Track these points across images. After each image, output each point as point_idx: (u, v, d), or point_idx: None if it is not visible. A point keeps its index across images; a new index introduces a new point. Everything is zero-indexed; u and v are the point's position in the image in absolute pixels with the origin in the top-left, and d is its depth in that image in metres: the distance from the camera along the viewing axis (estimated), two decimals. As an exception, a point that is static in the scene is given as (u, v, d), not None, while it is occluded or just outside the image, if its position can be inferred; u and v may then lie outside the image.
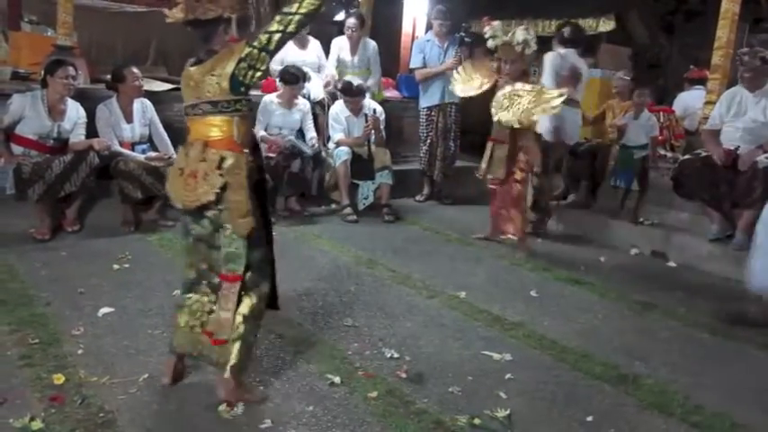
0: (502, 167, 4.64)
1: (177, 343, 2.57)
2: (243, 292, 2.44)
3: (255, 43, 2.32)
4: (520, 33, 4.40)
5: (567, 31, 5.23)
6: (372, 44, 6.25)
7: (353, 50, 6.10)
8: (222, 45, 2.42)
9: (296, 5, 2.30)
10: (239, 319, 2.43)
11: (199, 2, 2.35)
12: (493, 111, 4.51)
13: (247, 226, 2.37)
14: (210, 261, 2.50)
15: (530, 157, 4.62)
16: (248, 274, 2.44)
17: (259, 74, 2.37)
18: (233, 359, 2.42)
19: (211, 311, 2.49)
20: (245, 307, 2.44)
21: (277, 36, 2.31)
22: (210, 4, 2.36)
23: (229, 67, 2.31)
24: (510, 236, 4.88)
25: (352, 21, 6.04)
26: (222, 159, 2.35)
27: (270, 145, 5.31)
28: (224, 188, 2.34)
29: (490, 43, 4.51)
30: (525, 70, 4.63)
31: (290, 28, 2.31)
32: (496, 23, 4.58)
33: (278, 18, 2.32)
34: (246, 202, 2.37)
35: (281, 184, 5.32)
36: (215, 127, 2.38)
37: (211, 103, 2.37)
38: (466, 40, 6.04)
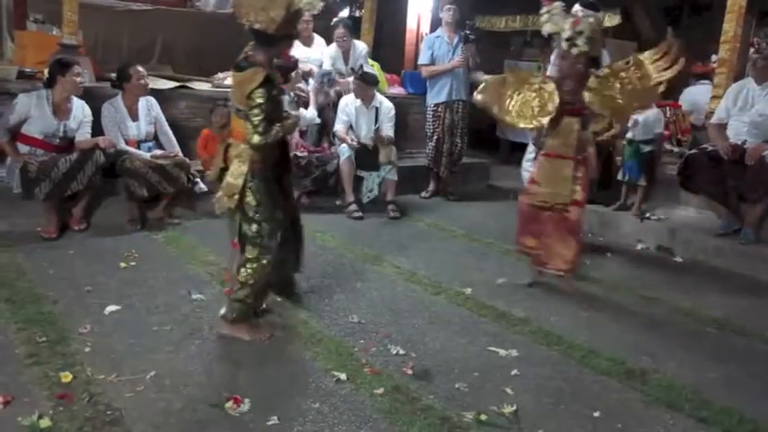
0: (569, 188, 3.76)
1: None
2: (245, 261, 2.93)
3: (253, 98, 2.72)
4: (568, 28, 3.59)
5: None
6: (362, 48, 6.26)
7: (346, 59, 6.11)
8: (269, 56, 2.83)
9: (264, 138, 2.77)
10: (237, 284, 2.94)
11: (283, 22, 2.72)
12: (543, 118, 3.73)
13: (226, 205, 2.86)
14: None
15: (590, 170, 3.92)
16: (247, 247, 2.91)
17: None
18: (228, 310, 3.00)
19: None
20: (241, 274, 2.93)
21: (255, 119, 2.75)
22: (286, 24, 2.75)
23: (246, 90, 2.74)
24: (554, 271, 3.93)
25: (340, 31, 6.04)
26: (228, 146, 2.92)
27: (297, 144, 5.38)
28: (226, 170, 2.88)
29: (544, 29, 3.73)
30: (581, 70, 3.70)
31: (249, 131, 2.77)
32: (557, 4, 3.72)
33: (258, 121, 2.74)
34: (236, 186, 2.81)
35: (307, 180, 5.36)
36: (239, 123, 2.87)
37: (237, 108, 2.88)
38: (471, 37, 6.02)
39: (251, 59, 2.80)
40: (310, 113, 5.59)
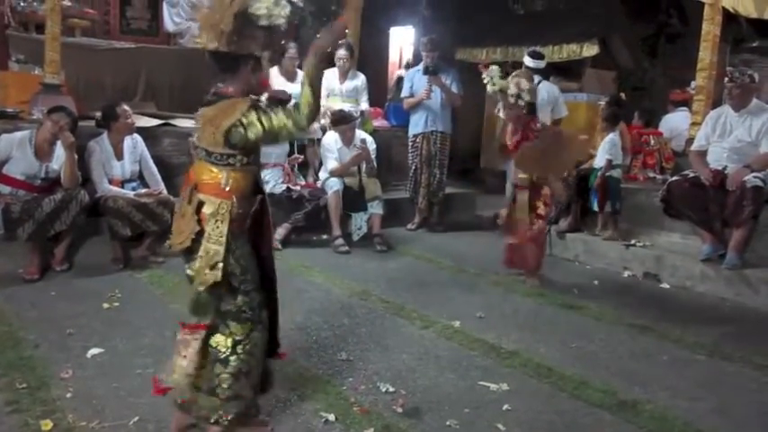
0: (525, 212, 4.55)
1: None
2: (227, 346, 2.33)
3: (254, 115, 2.23)
4: (512, 87, 4.37)
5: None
6: (362, 76, 6.31)
7: (342, 79, 6.17)
8: (240, 85, 2.33)
9: (304, 110, 2.28)
10: (228, 377, 2.32)
11: (234, 36, 2.22)
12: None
13: (211, 278, 2.25)
14: None
15: (555, 191, 4.61)
16: (231, 325, 2.35)
17: (251, 140, 2.25)
18: (216, 415, 2.33)
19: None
20: (232, 364, 2.32)
21: (274, 130, 2.26)
22: (242, 39, 2.24)
23: (226, 124, 2.22)
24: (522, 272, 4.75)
25: (342, 52, 6.08)
26: (201, 205, 2.29)
27: (288, 177, 5.42)
28: (201, 233, 2.27)
29: (489, 89, 4.49)
30: (522, 116, 4.49)
31: (285, 131, 2.28)
32: (494, 68, 4.50)
33: (284, 114, 2.27)
34: (219, 254, 2.25)
35: (300, 215, 5.39)
36: (206, 171, 2.33)
37: (206, 151, 2.32)
38: (430, 69, 6.07)
39: (221, 92, 2.33)
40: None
